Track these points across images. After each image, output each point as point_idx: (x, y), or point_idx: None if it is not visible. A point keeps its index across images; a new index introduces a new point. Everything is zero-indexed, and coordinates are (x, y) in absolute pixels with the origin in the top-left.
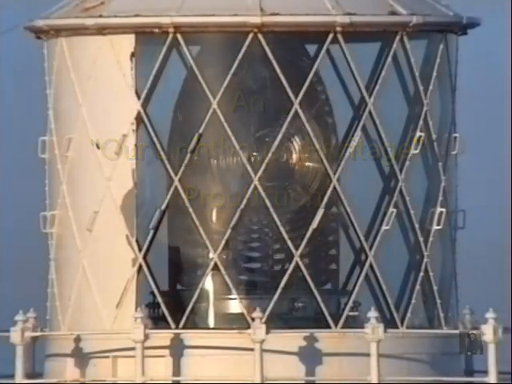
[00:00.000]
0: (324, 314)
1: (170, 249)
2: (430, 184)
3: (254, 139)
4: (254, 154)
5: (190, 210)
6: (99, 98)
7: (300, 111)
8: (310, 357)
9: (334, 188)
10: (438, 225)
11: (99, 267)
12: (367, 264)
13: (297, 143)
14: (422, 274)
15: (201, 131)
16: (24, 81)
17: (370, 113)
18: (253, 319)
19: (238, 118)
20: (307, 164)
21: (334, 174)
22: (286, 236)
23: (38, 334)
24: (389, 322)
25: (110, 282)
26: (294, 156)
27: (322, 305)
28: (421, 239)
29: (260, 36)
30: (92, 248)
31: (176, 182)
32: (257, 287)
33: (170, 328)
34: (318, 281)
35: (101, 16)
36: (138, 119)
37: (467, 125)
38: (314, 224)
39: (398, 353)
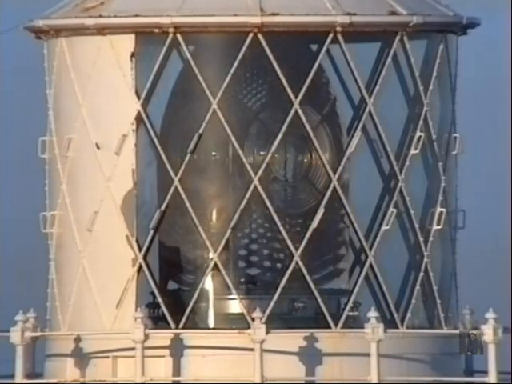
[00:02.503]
0: (324, 313)
1: (169, 248)
2: (429, 184)
3: (254, 139)
4: (262, 153)
5: (190, 209)
6: (99, 98)
7: (300, 111)
8: (310, 357)
9: (334, 188)
10: (438, 225)
11: (99, 267)
12: (367, 264)
13: (310, 143)
14: (422, 273)
15: (201, 131)
16: (24, 81)
17: (369, 113)
18: (253, 319)
19: (239, 118)
20: (320, 164)
21: (334, 173)
22: (286, 236)
23: (38, 334)
24: (389, 322)
25: (110, 281)
26: (309, 156)
27: (321, 305)
28: (421, 239)
29: (260, 36)
30: (92, 248)
31: (176, 182)
32: (257, 287)
33: (170, 328)
34: (322, 280)
35: (101, 16)
36: (138, 119)
37: (467, 125)
38: (314, 224)
39: (398, 353)
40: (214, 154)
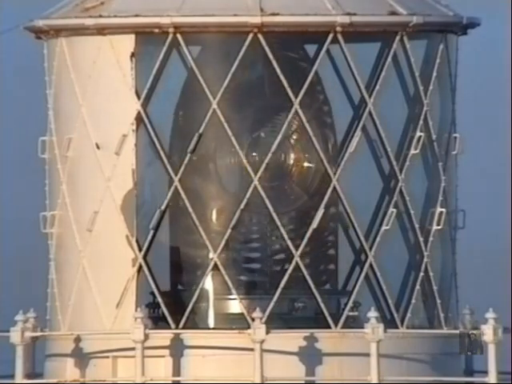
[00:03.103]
0: (324, 313)
1: (171, 249)
2: (429, 184)
3: (253, 139)
4: (254, 154)
5: (190, 209)
6: (99, 98)
7: (300, 111)
8: (310, 357)
9: (334, 188)
10: (438, 225)
11: (99, 267)
12: (367, 264)
13: (297, 143)
14: (422, 273)
15: (201, 131)
16: (24, 81)
17: (369, 113)
18: (253, 319)
19: (238, 118)
20: (306, 164)
21: (334, 174)
22: (286, 236)
23: (38, 334)
24: (389, 322)
25: (110, 282)
26: (294, 156)
27: (322, 305)
28: (421, 239)
29: (260, 36)
30: (92, 248)
31: (176, 182)
32: (257, 287)
33: (170, 328)
34: (316, 281)
35: (101, 16)
36: (138, 119)
37: (467, 125)
38: (314, 224)
39: (398, 353)
40: (213, 153)
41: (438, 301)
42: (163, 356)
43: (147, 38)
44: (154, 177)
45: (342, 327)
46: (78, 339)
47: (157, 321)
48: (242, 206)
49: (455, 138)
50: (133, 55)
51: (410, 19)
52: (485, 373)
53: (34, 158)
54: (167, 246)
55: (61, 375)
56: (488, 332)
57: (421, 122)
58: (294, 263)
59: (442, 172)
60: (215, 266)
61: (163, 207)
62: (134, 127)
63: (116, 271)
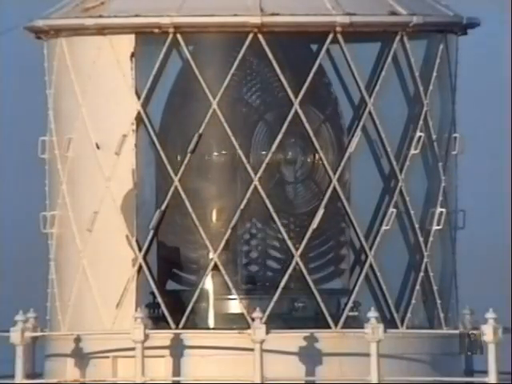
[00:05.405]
0: (324, 313)
1: (168, 248)
2: (429, 184)
3: (254, 139)
4: (254, 153)
5: (190, 209)
6: (99, 98)
7: (300, 111)
8: (310, 357)
9: (334, 188)
10: (438, 225)
11: (99, 267)
12: (367, 264)
13: (301, 144)
14: (422, 274)
15: (201, 131)
16: (24, 81)
17: (369, 113)
18: (253, 319)
19: (239, 118)
20: (320, 164)
21: (334, 173)
22: (285, 236)
23: (38, 334)
24: (389, 322)
25: (110, 282)
26: (297, 156)
27: (321, 305)
28: (421, 239)
29: (260, 36)
30: (92, 248)
31: (176, 182)
32: (257, 287)
33: (169, 328)
34: (328, 280)
35: (101, 16)
36: (138, 119)
37: (467, 125)
38: (314, 224)
39: (398, 353)
40: (215, 154)
41: (438, 301)
42: (163, 356)
43: (147, 38)
44: (154, 177)
45: (342, 327)
46: (77, 339)
47: (157, 321)
48: (242, 206)
49: (455, 138)
50: (133, 55)
51: (410, 19)
52: (485, 373)
53: (34, 158)
54: (167, 245)
55: (61, 375)
56: (488, 332)
57: (421, 121)
58: (293, 263)
59: (441, 172)
60: (215, 266)
61: (163, 207)
62: (134, 127)
63: (116, 271)
